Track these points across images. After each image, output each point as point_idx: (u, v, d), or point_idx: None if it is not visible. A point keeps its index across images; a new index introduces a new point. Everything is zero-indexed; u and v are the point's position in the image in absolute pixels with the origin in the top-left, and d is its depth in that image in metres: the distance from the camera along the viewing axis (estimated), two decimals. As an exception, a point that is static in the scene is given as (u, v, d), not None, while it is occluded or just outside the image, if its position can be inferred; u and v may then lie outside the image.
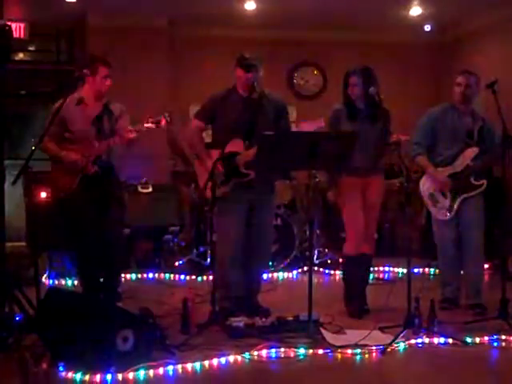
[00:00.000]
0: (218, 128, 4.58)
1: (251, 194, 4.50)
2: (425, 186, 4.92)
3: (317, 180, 6.39)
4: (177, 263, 6.45)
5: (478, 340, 3.97)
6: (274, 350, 3.74)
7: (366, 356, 3.74)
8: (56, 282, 5.78)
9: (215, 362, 3.57)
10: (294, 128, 4.78)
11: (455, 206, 4.79)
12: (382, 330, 4.14)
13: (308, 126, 4.28)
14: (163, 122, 4.44)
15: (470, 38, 7.97)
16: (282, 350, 3.76)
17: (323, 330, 4.08)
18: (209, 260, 6.25)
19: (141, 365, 3.37)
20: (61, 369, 3.37)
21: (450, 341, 3.95)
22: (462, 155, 4.77)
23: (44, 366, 3.42)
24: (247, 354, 3.68)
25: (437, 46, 8.50)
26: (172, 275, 6.19)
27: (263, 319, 4.20)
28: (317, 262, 6.57)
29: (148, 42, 7.76)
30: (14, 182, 3.89)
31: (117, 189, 4.92)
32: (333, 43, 8.20)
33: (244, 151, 4.45)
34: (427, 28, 7.88)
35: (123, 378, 3.30)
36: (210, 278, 4.90)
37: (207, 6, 7.23)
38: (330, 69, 8.27)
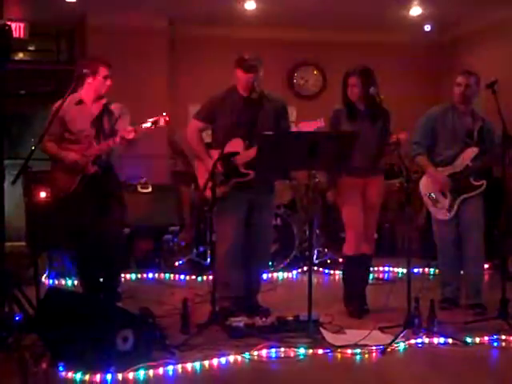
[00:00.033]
0: (218, 128, 4.58)
1: (251, 194, 4.51)
2: (425, 185, 4.92)
3: (317, 180, 6.39)
4: (177, 263, 6.45)
5: (477, 340, 3.98)
6: (273, 350, 3.75)
7: (366, 356, 3.75)
8: (56, 282, 5.78)
9: (215, 361, 3.58)
10: (293, 128, 4.78)
11: (455, 206, 4.79)
12: (381, 329, 4.14)
13: (307, 127, 4.28)
14: (162, 123, 4.43)
15: (469, 38, 7.96)
16: (282, 349, 3.77)
17: (323, 330, 4.09)
18: (209, 260, 6.26)
19: (141, 365, 3.37)
20: (61, 369, 3.37)
21: (450, 341, 3.95)
22: (462, 155, 4.77)
23: (44, 365, 3.42)
24: (247, 353, 3.68)
25: (437, 46, 8.50)
26: (172, 275, 6.18)
27: (263, 319, 4.20)
28: (316, 261, 6.57)
29: (148, 42, 7.75)
30: (14, 182, 3.90)
31: (117, 189, 4.92)
32: (333, 43, 8.19)
33: (244, 151, 4.45)
34: (427, 28, 7.88)
35: (123, 378, 3.30)
36: (210, 277, 4.90)
37: (207, 6, 7.23)
38: (329, 69, 8.26)
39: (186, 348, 3.77)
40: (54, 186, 4.83)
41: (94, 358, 3.32)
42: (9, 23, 3.89)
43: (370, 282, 5.03)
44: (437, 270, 5.83)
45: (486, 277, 5.51)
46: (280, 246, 6.44)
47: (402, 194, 5.08)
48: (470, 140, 4.79)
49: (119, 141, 4.51)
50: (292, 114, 6.63)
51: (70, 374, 3.31)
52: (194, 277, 6.11)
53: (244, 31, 7.82)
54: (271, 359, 3.69)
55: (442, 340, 3.97)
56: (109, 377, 3.28)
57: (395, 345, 3.85)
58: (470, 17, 7.60)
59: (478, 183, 4.78)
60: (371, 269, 5.07)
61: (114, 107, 4.82)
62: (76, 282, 5.44)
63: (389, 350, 3.79)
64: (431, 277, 6.13)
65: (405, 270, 4.85)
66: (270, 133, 4.14)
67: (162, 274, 6.22)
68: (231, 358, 3.63)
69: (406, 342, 3.91)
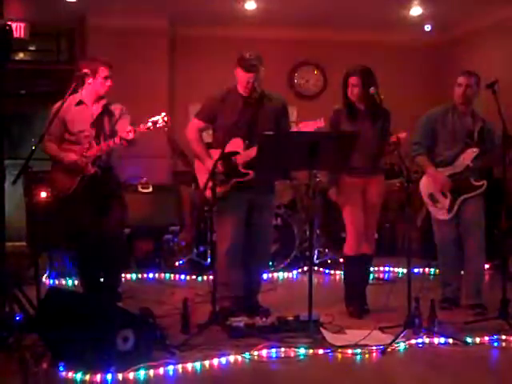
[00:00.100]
0: (218, 128, 4.58)
1: (251, 194, 4.51)
2: (425, 185, 4.93)
3: (317, 180, 6.39)
4: (177, 263, 6.45)
5: (478, 340, 3.98)
6: (274, 350, 3.75)
7: (367, 356, 3.75)
8: (56, 282, 5.78)
9: (215, 361, 3.58)
10: (293, 128, 4.79)
11: (455, 207, 4.79)
12: (382, 329, 4.14)
13: (307, 127, 4.28)
14: (162, 123, 4.43)
15: (470, 38, 7.96)
16: (283, 349, 3.77)
17: (323, 330, 4.09)
18: (209, 260, 6.26)
19: (141, 365, 3.37)
20: (61, 369, 3.38)
21: (451, 341, 3.95)
22: (462, 156, 4.78)
23: (44, 365, 3.43)
24: (247, 353, 3.68)
25: (437, 46, 8.49)
26: (172, 275, 6.19)
27: (263, 319, 4.20)
28: (317, 261, 6.57)
29: (148, 42, 7.75)
30: (14, 182, 3.90)
31: (117, 189, 4.93)
32: (333, 43, 8.19)
33: (244, 151, 4.45)
34: (427, 28, 7.88)
35: (123, 378, 3.30)
36: (210, 277, 4.90)
37: (207, 6, 7.23)
38: (330, 68, 8.26)
39: (187, 348, 3.77)
40: (54, 187, 4.83)
41: (94, 358, 3.32)
42: (9, 23, 3.89)
43: (371, 281, 5.03)
44: (437, 270, 5.82)
45: (487, 277, 5.51)
46: (280, 246, 6.44)
47: (403, 194, 5.08)
48: (471, 140, 4.79)
49: (119, 141, 4.51)
50: (292, 113, 6.64)
51: (70, 374, 3.31)
52: (194, 277, 6.12)
53: (244, 31, 7.82)
54: (271, 359, 3.69)
55: (442, 340, 3.97)
56: (109, 377, 3.28)
57: (395, 345, 3.85)
58: (470, 17, 7.60)
59: (479, 183, 4.78)
60: (371, 269, 5.07)
61: (114, 107, 4.83)
62: (76, 282, 5.45)
63: (389, 350, 3.79)
64: (431, 277, 6.13)
65: (405, 270, 4.86)
66: (271, 133, 4.14)
67: (163, 274, 6.23)
68: (231, 358, 3.63)
69: (407, 342, 3.91)
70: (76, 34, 8.29)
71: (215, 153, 4.46)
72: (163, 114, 4.45)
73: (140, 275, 6.16)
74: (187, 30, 8.01)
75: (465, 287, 4.87)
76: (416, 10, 7.35)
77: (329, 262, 6.63)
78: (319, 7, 7.28)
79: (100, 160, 4.69)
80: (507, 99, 4.67)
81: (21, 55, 8.55)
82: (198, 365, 3.52)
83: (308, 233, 6.17)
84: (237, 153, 4.47)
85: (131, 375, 3.32)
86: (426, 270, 6.26)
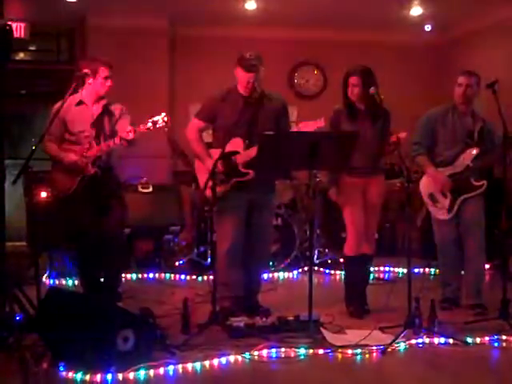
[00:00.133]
0: (218, 128, 4.58)
1: (251, 194, 4.51)
2: (425, 185, 4.92)
3: (317, 180, 6.39)
4: (177, 263, 6.45)
5: (478, 340, 3.98)
6: (274, 350, 3.75)
7: (367, 356, 3.75)
8: (56, 282, 5.78)
9: (216, 362, 3.58)
10: (293, 128, 4.78)
11: (455, 207, 4.79)
12: (382, 330, 4.14)
13: (307, 126, 4.27)
14: (162, 123, 4.43)
15: (470, 38, 7.96)
16: (283, 349, 3.77)
17: (324, 330, 4.09)
18: (209, 260, 6.26)
19: (141, 365, 3.38)
20: (61, 368, 3.38)
21: (451, 341, 3.95)
22: (463, 156, 4.77)
23: (44, 365, 3.43)
24: (247, 353, 3.68)
25: (437, 46, 8.50)
26: (172, 275, 6.19)
27: (263, 319, 4.20)
28: (317, 261, 6.57)
29: (148, 42, 7.75)
30: (15, 182, 3.90)
31: (117, 189, 4.93)
32: (333, 43, 8.19)
33: (244, 150, 4.45)
34: (428, 28, 7.88)
35: (124, 378, 3.30)
36: (211, 277, 4.90)
37: (208, 6, 7.23)
38: (330, 68, 8.25)
39: (187, 348, 3.77)
40: (54, 187, 4.83)
41: (94, 358, 3.32)
42: (9, 23, 3.89)
43: (371, 282, 5.03)
44: (437, 270, 5.82)
45: (487, 277, 5.51)
46: (281, 246, 6.44)
47: (403, 194, 5.07)
48: (471, 140, 4.79)
49: (119, 141, 4.51)
50: (293, 113, 6.64)
51: (70, 374, 3.31)
52: (194, 277, 6.12)
53: (244, 31, 7.82)
54: (272, 359, 3.69)
55: (442, 340, 3.97)
56: (109, 377, 3.28)
57: (396, 345, 3.85)
58: (470, 17, 7.60)
59: (479, 183, 4.78)
60: (372, 269, 5.07)
61: (114, 107, 4.83)
62: (76, 282, 5.45)
63: (389, 350, 3.79)
64: (432, 277, 6.13)
65: (405, 270, 4.85)
66: (271, 133, 4.14)
67: (163, 274, 6.22)
68: (232, 358, 3.63)
69: (407, 342, 3.91)
70: (76, 34, 8.29)
71: (215, 152, 4.46)
72: (163, 114, 4.45)
73: (140, 275, 6.16)
74: (187, 30, 8.01)
75: (465, 287, 4.87)
76: (416, 10, 7.35)
77: (329, 262, 6.63)
78: (319, 7, 7.28)
79: (100, 160, 4.69)
80: (507, 99, 4.67)
81: (21, 55, 8.55)
82: (198, 365, 3.52)
83: (308, 233, 6.16)
84: (237, 152, 4.47)
85: (131, 375, 3.32)
86: (426, 270, 6.26)
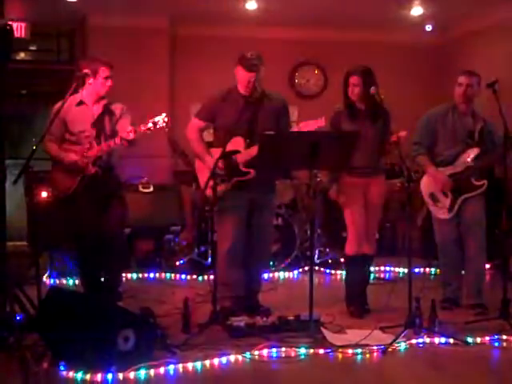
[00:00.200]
0: (219, 127, 4.59)
1: (252, 194, 4.51)
2: (425, 185, 4.93)
3: (318, 180, 6.38)
4: (178, 263, 6.45)
5: (479, 340, 3.98)
6: (274, 350, 3.75)
7: (367, 356, 3.75)
8: (57, 282, 5.78)
9: (216, 361, 3.58)
10: (294, 128, 4.78)
11: (456, 206, 4.79)
12: (382, 329, 4.14)
13: (308, 126, 4.27)
14: (162, 123, 4.43)
15: (470, 37, 7.95)
16: (283, 349, 3.77)
17: (324, 330, 4.09)
18: (210, 260, 6.26)
19: (142, 364, 3.38)
20: (62, 368, 3.38)
21: (451, 341, 3.95)
22: (463, 155, 4.78)
23: (45, 365, 3.43)
24: (248, 353, 3.68)
25: (438, 46, 8.49)
26: (173, 275, 6.19)
27: (264, 319, 4.20)
28: (318, 261, 6.57)
29: (149, 42, 7.76)
30: (15, 182, 3.90)
31: (118, 189, 4.93)
32: (334, 42, 8.18)
33: (244, 150, 4.45)
34: (428, 28, 7.87)
35: (124, 378, 3.30)
36: (211, 277, 4.90)
37: (208, 6, 7.22)
38: (331, 68, 8.25)
39: (187, 347, 3.77)
40: (55, 187, 4.84)
41: (94, 358, 3.32)
42: (10, 23, 3.89)
43: (371, 281, 5.04)
44: (438, 270, 5.82)
45: (488, 277, 5.51)
46: (281, 246, 6.44)
47: (403, 194, 5.06)
48: (471, 140, 4.79)
49: (120, 141, 4.51)
50: (293, 113, 6.63)
51: (71, 374, 3.32)
52: (194, 276, 6.12)
53: (245, 31, 7.81)
54: (272, 359, 3.69)
55: (443, 340, 3.97)
56: (110, 376, 3.29)
57: (396, 345, 3.85)
58: (470, 17, 7.59)
59: (479, 183, 4.78)
60: (372, 269, 5.07)
61: (114, 107, 4.83)
62: (77, 282, 5.45)
63: (390, 349, 3.80)
64: (432, 277, 6.13)
65: (406, 270, 4.86)
66: (272, 132, 4.14)
67: (163, 274, 6.22)
68: (232, 358, 3.63)
69: (407, 342, 3.91)
70: (77, 34, 8.29)
71: (216, 152, 4.46)
72: (163, 114, 4.46)
73: (141, 275, 6.16)
74: (188, 30, 8.01)
75: (465, 287, 4.87)
76: (417, 10, 7.34)
77: (330, 261, 6.63)
78: (320, 7, 7.28)
79: (100, 160, 4.69)
80: (508, 99, 4.67)
81: (21, 55, 8.55)
82: (198, 364, 3.52)
83: (309, 232, 6.16)
84: (238, 152, 4.47)
85: (132, 375, 3.32)
86: (427, 269, 6.26)
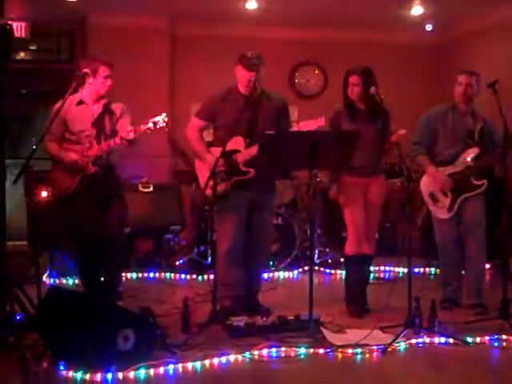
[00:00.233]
0: (219, 126, 4.59)
1: (252, 193, 4.51)
2: (425, 185, 4.93)
3: (318, 180, 6.38)
4: (177, 262, 6.45)
5: (478, 340, 3.98)
6: (274, 350, 3.75)
7: (367, 356, 3.75)
8: (57, 281, 5.78)
9: (216, 361, 3.58)
10: (294, 127, 4.78)
11: (456, 206, 4.79)
12: (382, 329, 4.14)
13: (308, 126, 4.27)
14: (162, 123, 4.43)
15: (470, 37, 7.95)
16: (283, 349, 3.77)
17: (324, 330, 4.09)
18: (209, 259, 6.26)
19: (141, 364, 3.38)
20: (61, 368, 3.38)
21: (451, 340, 3.95)
22: (463, 155, 4.78)
23: (45, 365, 3.43)
24: (248, 353, 3.68)
25: (438, 46, 8.49)
26: (173, 274, 6.19)
27: (264, 318, 4.19)
28: (317, 261, 6.57)
29: (149, 42, 7.76)
30: (15, 181, 3.90)
31: (118, 188, 4.93)
32: (334, 42, 8.18)
33: (244, 149, 4.45)
34: (428, 28, 7.87)
35: (124, 377, 3.30)
36: (211, 277, 4.90)
37: (208, 5, 7.22)
38: (331, 68, 8.25)
39: (187, 347, 3.77)
40: (55, 186, 4.84)
41: (94, 358, 3.32)
42: (10, 22, 3.89)
43: (371, 281, 5.04)
44: (438, 270, 5.82)
45: (487, 277, 5.51)
46: (281, 246, 6.44)
47: (403, 194, 5.07)
48: (471, 140, 4.79)
49: (120, 141, 4.51)
50: (293, 113, 6.64)
51: (70, 373, 3.32)
52: (194, 276, 6.12)
53: (245, 31, 7.82)
54: (272, 359, 3.69)
55: (442, 340, 3.97)
56: (109, 376, 3.28)
57: (396, 344, 3.85)
58: (470, 17, 7.60)
59: (479, 183, 4.78)
60: (372, 268, 5.07)
61: (115, 107, 4.83)
62: (77, 282, 5.45)
63: (389, 349, 3.79)
64: (432, 276, 6.13)
65: (406, 270, 4.86)
66: (272, 132, 4.14)
67: (163, 274, 6.22)
68: (232, 358, 3.63)
69: (407, 342, 3.91)
70: (77, 34, 8.29)
71: (216, 151, 4.46)
72: (164, 114, 4.46)
73: (140, 274, 6.16)
74: (188, 30, 8.01)
75: (465, 287, 4.87)
76: (417, 10, 7.34)
77: (329, 261, 6.63)
78: (320, 7, 7.28)
79: (101, 159, 4.69)
80: (508, 99, 4.67)
81: (21, 54, 8.55)
82: (198, 364, 3.52)
83: (309, 232, 6.16)
84: (238, 151, 4.47)
85: (132, 374, 3.32)
86: (427, 269, 6.25)
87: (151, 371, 3.37)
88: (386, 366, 3.66)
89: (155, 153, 7.13)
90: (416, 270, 6.03)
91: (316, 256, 6.57)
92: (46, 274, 5.88)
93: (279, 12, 7.48)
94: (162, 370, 3.41)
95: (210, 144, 4.66)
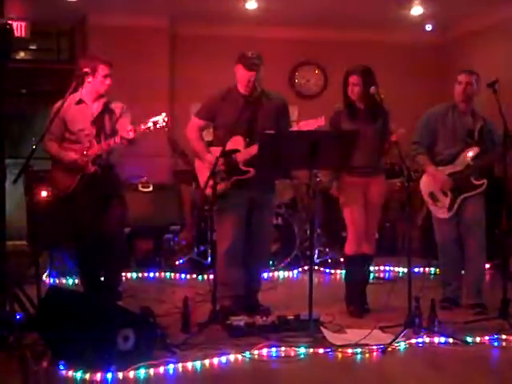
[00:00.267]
0: (218, 126, 4.59)
1: (252, 192, 4.51)
2: (425, 184, 4.93)
3: (318, 179, 6.38)
4: (177, 262, 6.45)
5: (478, 340, 3.98)
6: (274, 349, 3.75)
7: (367, 355, 3.75)
8: (57, 281, 5.78)
9: (216, 361, 3.58)
10: (294, 127, 4.79)
11: (455, 205, 4.79)
12: (382, 329, 4.14)
13: (308, 125, 4.27)
14: (162, 123, 4.43)
15: (471, 37, 7.96)
16: (283, 349, 3.77)
17: (324, 329, 4.08)
18: (209, 259, 6.26)
19: (141, 364, 3.38)
20: (61, 367, 3.38)
21: (451, 340, 3.95)
22: (463, 154, 4.78)
23: (45, 364, 3.43)
24: (248, 353, 3.68)
25: (438, 46, 8.49)
26: (172, 274, 6.19)
27: (264, 318, 4.19)
28: (317, 261, 6.57)
29: (149, 41, 7.76)
30: (15, 181, 3.90)
31: (117, 188, 4.93)
32: (334, 42, 8.19)
33: (244, 149, 4.46)
34: (428, 27, 7.87)
35: (124, 377, 3.30)
36: (211, 276, 4.90)
37: (208, 5, 7.23)
38: (331, 68, 8.24)
39: (187, 347, 3.77)
40: (55, 186, 4.84)
41: (94, 357, 3.32)
42: (10, 22, 3.89)
43: (371, 281, 5.04)
44: (437, 270, 5.82)
45: (487, 276, 5.51)
46: (281, 246, 6.44)
47: (403, 194, 5.07)
48: (471, 140, 4.79)
49: (119, 140, 4.51)
50: (293, 113, 6.63)
51: (70, 373, 3.32)
52: (194, 276, 6.12)
53: (245, 30, 7.82)
54: (272, 358, 3.69)
55: (442, 339, 3.97)
56: (109, 376, 3.28)
57: (396, 344, 3.85)
58: (470, 16, 7.60)
59: (479, 182, 4.78)
60: (372, 268, 5.07)
61: (114, 106, 4.83)
62: (77, 281, 5.45)
63: (389, 349, 3.79)
64: (432, 276, 6.13)
65: (405, 270, 4.86)
66: (272, 132, 4.14)
67: (163, 273, 6.22)
68: (232, 357, 3.63)
69: (407, 342, 3.91)
70: (76, 33, 8.28)
71: (216, 151, 4.46)
72: (163, 114, 4.46)
73: (140, 274, 6.16)
74: (188, 29, 8.01)
75: (465, 287, 4.87)
76: (417, 10, 7.34)
77: (329, 261, 6.63)
78: (320, 7, 7.28)
79: (100, 159, 4.69)
80: (508, 99, 4.67)
81: (21, 54, 8.55)
82: (198, 364, 3.52)
83: (308, 232, 6.16)
84: (237, 150, 4.47)
85: (131, 374, 3.32)
86: (427, 269, 6.25)
87: (151, 371, 3.37)
88: (385, 366, 3.66)
89: (155, 152, 7.13)
90: (416, 269, 6.03)
91: (316, 256, 6.57)
92: (45, 274, 5.88)
93: (279, 12, 7.48)
94: (161, 369, 3.41)
95: (209, 144, 4.66)
